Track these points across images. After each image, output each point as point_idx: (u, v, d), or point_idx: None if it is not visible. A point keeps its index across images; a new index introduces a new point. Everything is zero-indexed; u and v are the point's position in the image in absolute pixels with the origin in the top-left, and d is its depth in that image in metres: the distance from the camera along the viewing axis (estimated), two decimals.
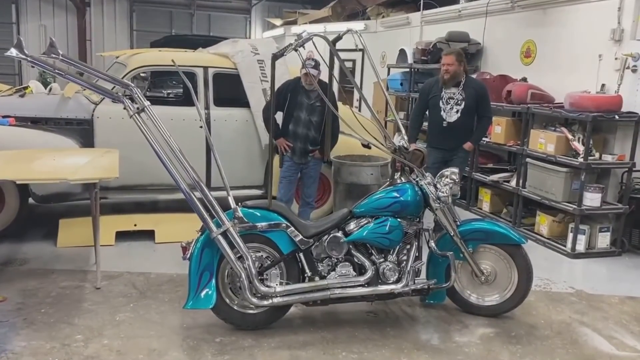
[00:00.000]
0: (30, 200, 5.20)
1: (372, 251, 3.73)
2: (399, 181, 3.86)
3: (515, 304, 3.99)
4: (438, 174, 3.84)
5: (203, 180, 5.56)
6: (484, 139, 6.49)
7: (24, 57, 3.34)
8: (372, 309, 4.04)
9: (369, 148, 5.98)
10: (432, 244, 3.83)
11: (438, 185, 3.76)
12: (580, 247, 5.50)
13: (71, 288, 4.22)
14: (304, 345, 3.49)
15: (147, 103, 3.49)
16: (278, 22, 14.62)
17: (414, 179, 3.81)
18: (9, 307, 3.84)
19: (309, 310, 3.92)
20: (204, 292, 3.50)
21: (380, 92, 8.54)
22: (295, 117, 5.17)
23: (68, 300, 4.01)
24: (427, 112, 5.60)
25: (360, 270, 3.71)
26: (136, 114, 3.46)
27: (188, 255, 3.52)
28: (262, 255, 3.63)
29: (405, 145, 3.82)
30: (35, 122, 5.27)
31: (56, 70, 3.50)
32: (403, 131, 3.95)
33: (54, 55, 3.39)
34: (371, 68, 4.38)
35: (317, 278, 3.65)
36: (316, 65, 4.95)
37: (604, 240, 5.60)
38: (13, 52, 3.32)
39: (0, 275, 4.39)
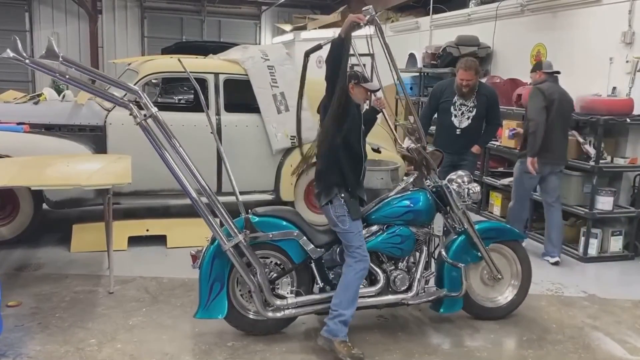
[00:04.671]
0: (44, 205, 5.26)
1: (383, 258, 3.72)
2: (411, 187, 3.81)
3: (523, 296, 4.07)
4: (447, 178, 3.85)
5: (214, 185, 5.68)
6: (494, 143, 6.48)
7: (21, 59, 3.09)
8: (383, 312, 4.04)
9: (379, 152, 6.03)
10: (444, 252, 3.79)
11: (469, 185, 3.78)
12: (593, 251, 5.47)
13: (85, 292, 4.26)
14: (315, 350, 3.50)
15: (154, 109, 3.33)
16: (288, 27, 14.67)
17: (434, 182, 3.77)
18: (24, 312, 3.89)
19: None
20: (215, 303, 3.48)
21: (390, 96, 8.54)
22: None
23: (82, 304, 4.06)
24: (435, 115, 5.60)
25: (370, 277, 3.68)
26: (144, 121, 3.29)
27: (198, 264, 3.50)
28: (272, 261, 3.62)
29: (424, 146, 3.75)
30: (49, 129, 5.34)
31: (57, 74, 3.24)
32: (421, 132, 3.85)
33: (53, 58, 3.15)
34: (380, 72, 4.35)
35: (328, 287, 3.62)
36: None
37: (616, 244, 5.56)
38: (9, 53, 3.07)
39: (15, 280, 4.44)
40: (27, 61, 3.11)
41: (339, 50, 3.31)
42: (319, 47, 3.85)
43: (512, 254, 4.04)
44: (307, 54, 3.98)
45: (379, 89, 3.65)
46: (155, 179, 5.34)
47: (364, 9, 3.47)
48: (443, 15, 9.18)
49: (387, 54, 3.62)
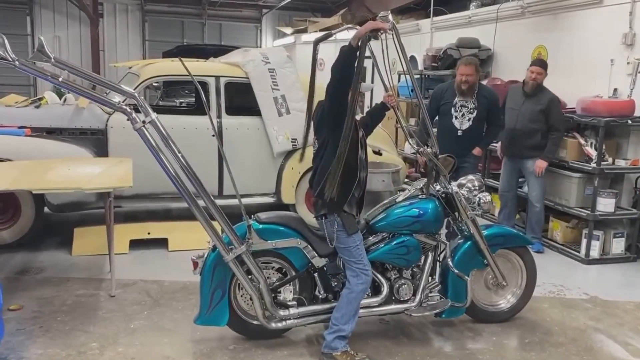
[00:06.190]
0: (46, 209, 5.27)
1: (387, 267, 3.67)
2: (420, 194, 3.73)
3: (527, 301, 4.05)
4: (457, 182, 3.80)
5: (215, 188, 5.68)
6: (495, 145, 6.46)
7: (9, 60, 2.84)
8: (385, 316, 4.03)
9: (380, 154, 6.03)
10: (450, 262, 3.74)
11: (480, 194, 3.73)
12: (595, 252, 5.46)
13: (86, 296, 4.26)
14: (317, 353, 3.49)
15: (154, 115, 3.14)
16: (288, 30, 14.71)
17: (444, 188, 3.71)
18: (26, 316, 3.89)
19: None
20: (216, 310, 3.44)
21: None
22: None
23: (83, 308, 4.06)
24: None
25: (374, 286, 3.63)
26: (143, 127, 3.12)
27: (199, 271, 3.44)
28: (273, 267, 3.59)
29: (435, 151, 3.65)
30: (51, 133, 5.35)
31: (49, 77, 3.03)
32: (432, 138, 3.78)
33: (45, 59, 2.95)
34: (383, 75, 4.29)
35: (330, 296, 3.57)
36: None
37: (618, 245, 5.55)
38: None
39: (16, 284, 4.44)
40: (16, 63, 2.89)
41: (351, 60, 3.01)
42: (329, 36, 3.73)
43: (518, 259, 3.99)
44: (317, 42, 3.83)
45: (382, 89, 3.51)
46: (156, 182, 5.30)
47: (380, 15, 3.21)
48: (444, 18, 9.19)
49: (403, 61, 3.43)
